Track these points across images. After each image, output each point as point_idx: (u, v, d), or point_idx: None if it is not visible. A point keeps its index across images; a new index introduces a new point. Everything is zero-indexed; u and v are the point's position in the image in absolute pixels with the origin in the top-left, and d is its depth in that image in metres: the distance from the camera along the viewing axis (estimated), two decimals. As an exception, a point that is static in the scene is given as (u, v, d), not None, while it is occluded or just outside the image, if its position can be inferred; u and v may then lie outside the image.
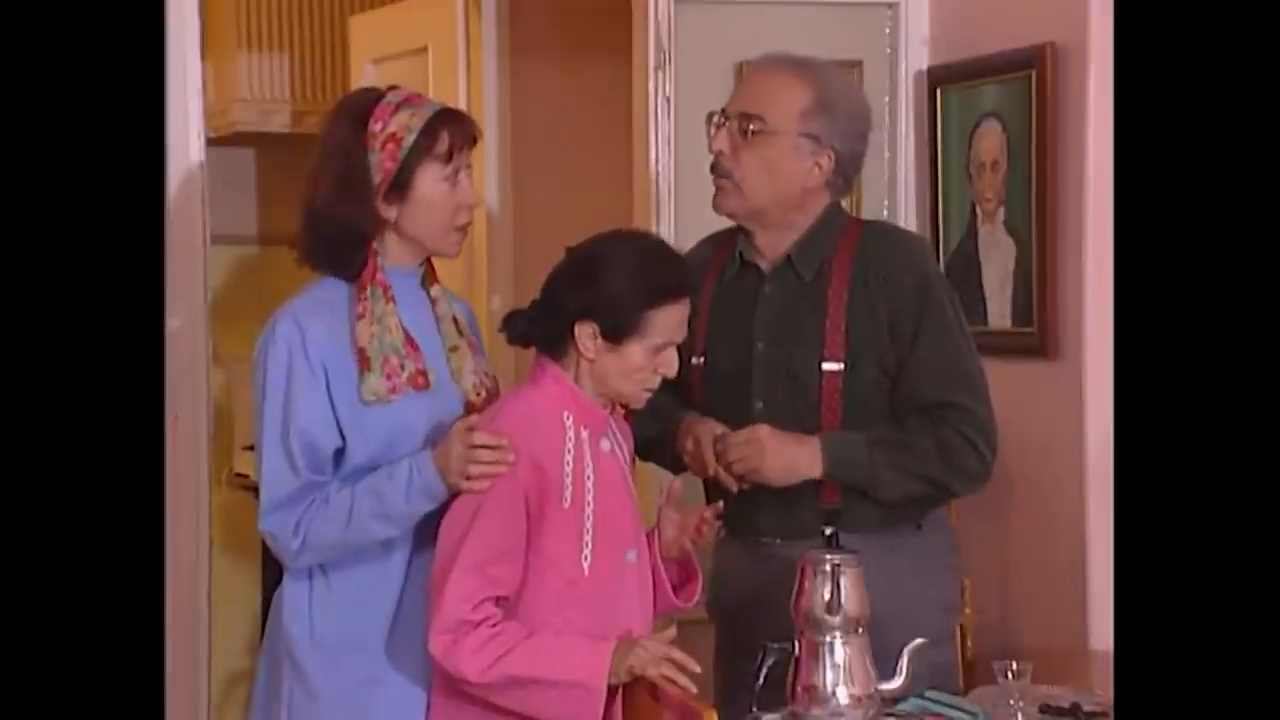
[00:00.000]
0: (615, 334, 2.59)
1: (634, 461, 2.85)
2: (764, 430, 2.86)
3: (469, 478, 2.55)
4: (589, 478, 2.61)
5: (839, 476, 2.88)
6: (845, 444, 2.88)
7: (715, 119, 2.97)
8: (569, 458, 2.60)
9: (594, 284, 2.59)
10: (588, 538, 2.60)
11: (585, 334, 2.59)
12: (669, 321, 2.62)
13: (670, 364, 2.64)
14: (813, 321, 2.92)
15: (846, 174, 3.00)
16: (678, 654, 2.52)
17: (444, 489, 2.58)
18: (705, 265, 3.05)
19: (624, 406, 2.74)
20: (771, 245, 2.98)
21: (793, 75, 2.95)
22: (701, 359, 3.00)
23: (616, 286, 2.58)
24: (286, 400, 2.63)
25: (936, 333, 2.91)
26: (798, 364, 2.91)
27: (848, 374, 2.89)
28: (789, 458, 2.85)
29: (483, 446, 2.54)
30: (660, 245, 2.74)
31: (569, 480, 2.59)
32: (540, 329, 2.65)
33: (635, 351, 2.61)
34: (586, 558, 2.59)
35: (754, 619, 2.90)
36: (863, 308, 2.90)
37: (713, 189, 2.99)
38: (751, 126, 2.91)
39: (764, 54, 3.09)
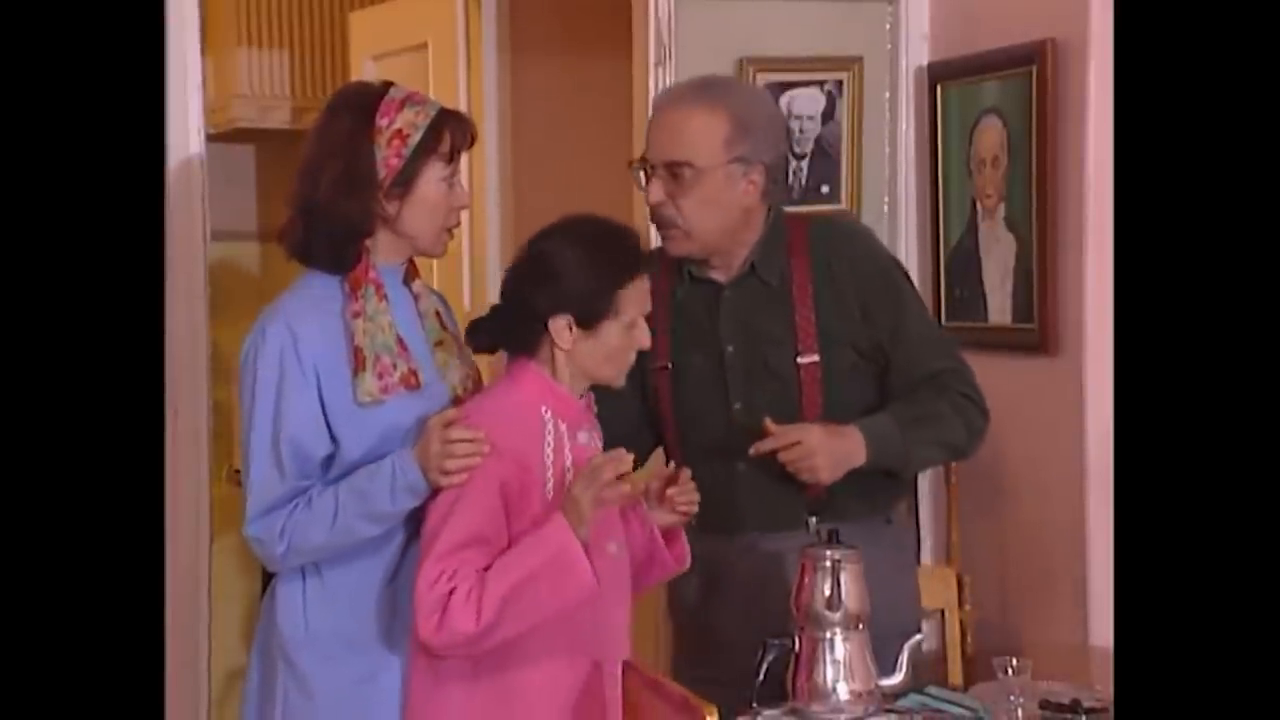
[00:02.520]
0: (590, 320, 2.62)
1: None
2: (815, 432, 2.87)
3: (446, 472, 2.56)
4: (569, 470, 2.61)
5: (879, 461, 2.92)
6: (881, 427, 2.92)
7: (642, 170, 2.95)
8: (549, 450, 2.62)
9: (560, 278, 2.61)
10: None
11: (560, 327, 2.61)
12: (638, 295, 2.66)
13: (645, 336, 2.69)
14: (781, 319, 2.97)
15: (777, 179, 3.06)
16: (607, 469, 2.51)
17: (426, 485, 2.58)
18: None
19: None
20: (725, 264, 3.02)
21: (705, 108, 2.93)
22: (668, 366, 3.01)
23: (583, 275, 2.61)
24: (277, 405, 2.62)
25: (913, 310, 3.05)
26: (773, 361, 2.96)
27: (824, 364, 2.95)
28: (838, 454, 2.88)
29: (459, 441, 2.55)
30: (611, 224, 2.74)
31: (550, 474, 2.60)
32: (507, 334, 2.67)
33: (612, 332, 2.64)
34: None
35: (734, 612, 2.91)
36: (829, 298, 2.97)
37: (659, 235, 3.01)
38: (684, 173, 2.90)
39: (667, 90, 3.10)
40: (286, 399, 2.61)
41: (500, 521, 2.56)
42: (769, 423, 2.86)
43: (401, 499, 2.59)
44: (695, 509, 2.78)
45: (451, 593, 2.50)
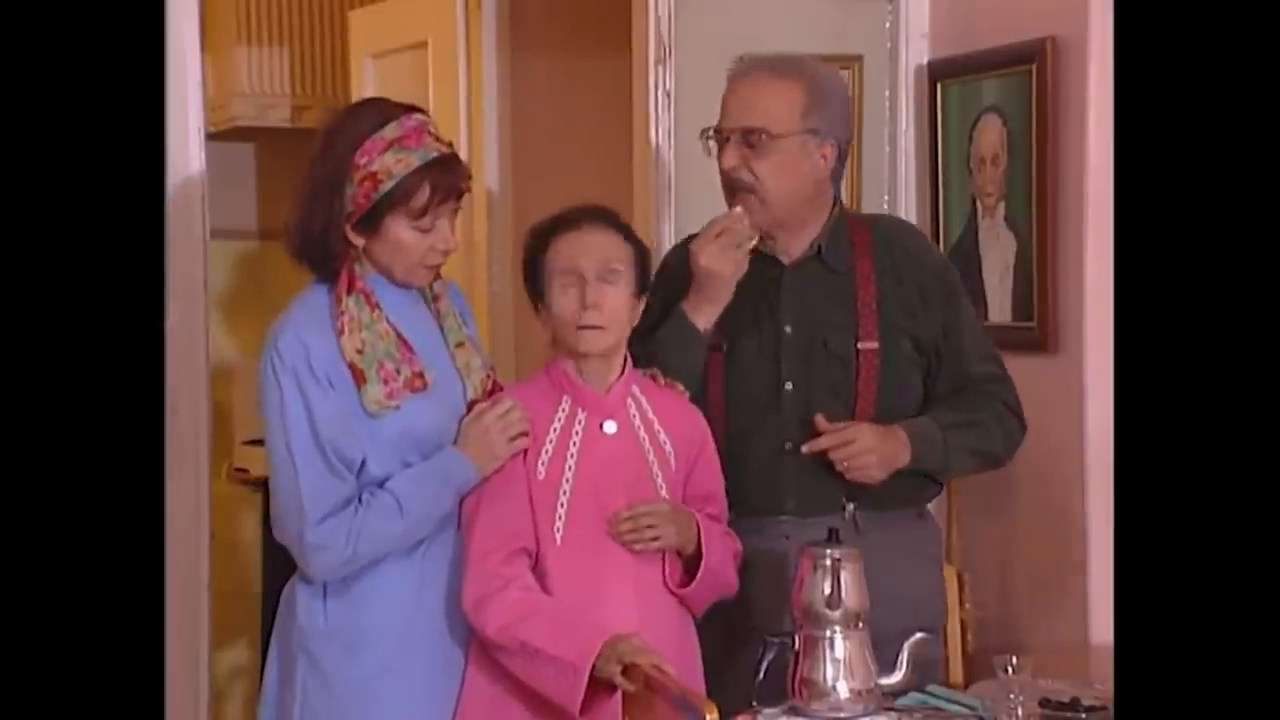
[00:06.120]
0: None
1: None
2: (867, 432, 2.91)
3: (499, 457, 2.66)
4: (572, 455, 2.69)
5: (920, 464, 2.95)
6: (925, 431, 2.96)
7: (714, 136, 2.97)
8: (554, 431, 2.70)
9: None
10: (561, 511, 2.67)
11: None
12: None
13: None
14: (842, 304, 2.99)
15: (843, 158, 3.07)
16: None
17: (477, 474, 2.66)
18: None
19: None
20: (793, 242, 3.02)
21: (782, 79, 2.98)
22: (722, 346, 3.00)
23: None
24: (310, 414, 2.61)
25: (966, 312, 3.10)
26: (834, 344, 2.97)
27: (883, 352, 2.97)
28: (888, 455, 2.92)
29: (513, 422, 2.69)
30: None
31: (546, 453, 2.69)
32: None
33: None
34: (559, 530, 2.66)
35: (766, 598, 2.90)
36: (892, 287, 3.00)
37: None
38: (759, 139, 2.93)
39: (742, 60, 3.08)
40: (316, 407, 2.61)
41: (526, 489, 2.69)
42: (820, 419, 2.90)
43: (456, 496, 2.67)
44: (635, 538, 2.72)
45: (508, 584, 2.61)
